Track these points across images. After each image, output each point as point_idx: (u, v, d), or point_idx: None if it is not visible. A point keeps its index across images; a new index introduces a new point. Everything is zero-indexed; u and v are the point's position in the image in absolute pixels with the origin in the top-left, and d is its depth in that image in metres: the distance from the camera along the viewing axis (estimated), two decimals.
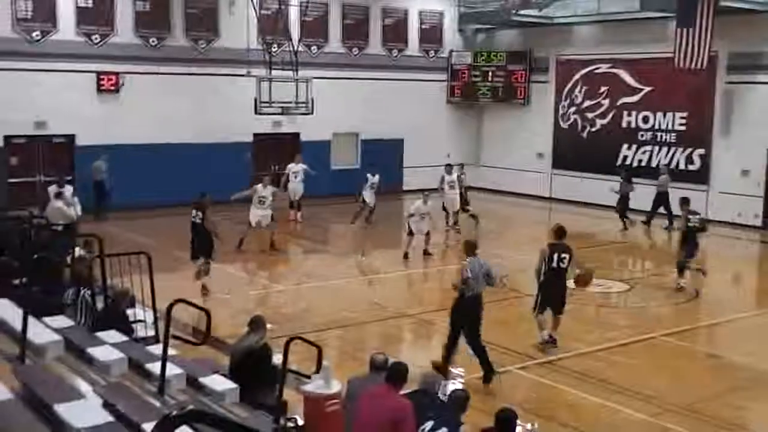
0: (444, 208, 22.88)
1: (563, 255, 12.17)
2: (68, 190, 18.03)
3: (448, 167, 23.27)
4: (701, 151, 25.04)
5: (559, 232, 12.49)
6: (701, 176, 25.02)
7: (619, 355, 12.69)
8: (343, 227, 23.09)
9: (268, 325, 9.43)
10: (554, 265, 12.16)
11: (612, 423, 10.19)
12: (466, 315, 11.15)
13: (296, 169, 23.96)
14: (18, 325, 7.12)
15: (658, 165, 25.73)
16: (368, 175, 23.49)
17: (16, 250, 10.45)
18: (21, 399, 6.08)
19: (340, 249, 21.52)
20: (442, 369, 10.91)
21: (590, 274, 12.92)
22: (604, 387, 11.11)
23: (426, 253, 19.41)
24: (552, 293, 12.34)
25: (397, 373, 7.17)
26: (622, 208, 23.48)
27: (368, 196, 23.27)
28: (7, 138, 22.82)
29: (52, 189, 17.86)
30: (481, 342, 11.13)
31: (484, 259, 11.50)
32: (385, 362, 7.79)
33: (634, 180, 23.86)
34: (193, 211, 15.57)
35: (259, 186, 19.47)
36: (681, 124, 25.50)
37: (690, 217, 16.79)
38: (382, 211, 23.46)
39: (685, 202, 17.48)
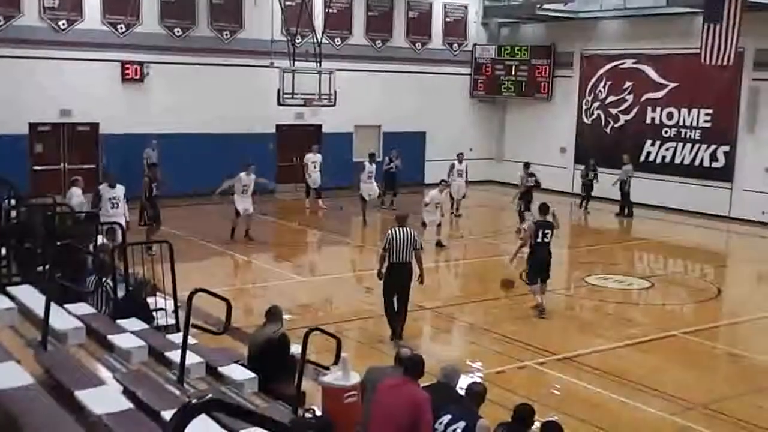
0: (450, 195, 22.92)
1: (546, 231, 14.04)
2: (120, 190, 16.42)
3: (459, 155, 23.60)
4: (726, 148, 24.82)
5: (543, 209, 14.34)
6: (725, 173, 24.81)
7: (640, 353, 12.65)
8: (361, 218, 22.96)
9: (287, 316, 9.44)
10: (539, 239, 13.96)
11: (631, 420, 10.13)
12: (396, 281, 12.35)
13: (315, 159, 24.12)
14: (40, 312, 7.17)
15: (682, 162, 25.66)
16: (365, 162, 23.11)
17: (40, 237, 10.50)
18: (43, 385, 6.13)
19: (359, 240, 21.52)
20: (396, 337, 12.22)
21: (511, 281, 14.99)
22: (624, 384, 11.06)
23: (439, 244, 19.27)
24: (539, 263, 14.08)
25: (413, 366, 7.17)
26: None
27: (364, 188, 22.49)
28: (32, 125, 22.97)
29: (104, 188, 16.37)
30: (407, 308, 12.52)
31: (412, 230, 12.52)
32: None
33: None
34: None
35: (243, 174, 19.28)
36: (706, 121, 25.26)
37: (529, 179, 21.85)
38: (402, 203, 23.17)
39: (526, 166, 22.50)
